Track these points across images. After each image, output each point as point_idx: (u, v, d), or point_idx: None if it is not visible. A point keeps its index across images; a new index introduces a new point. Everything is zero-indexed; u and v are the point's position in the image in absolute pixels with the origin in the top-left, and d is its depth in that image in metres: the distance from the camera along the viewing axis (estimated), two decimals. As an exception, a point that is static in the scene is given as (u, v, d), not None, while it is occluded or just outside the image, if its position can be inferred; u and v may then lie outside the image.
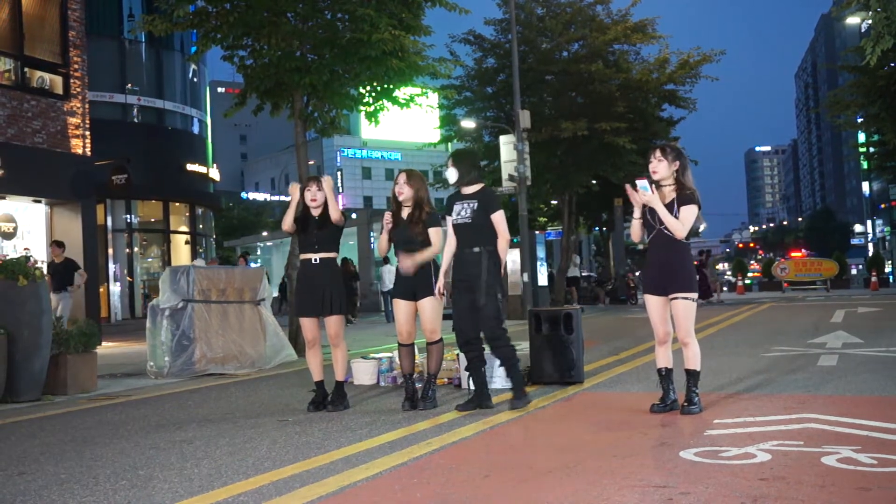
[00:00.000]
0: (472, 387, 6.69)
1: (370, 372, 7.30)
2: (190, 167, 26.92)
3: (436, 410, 5.68)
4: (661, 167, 5.16)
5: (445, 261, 5.77)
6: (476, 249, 5.54)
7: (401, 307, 5.81)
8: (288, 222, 5.98)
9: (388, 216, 5.84)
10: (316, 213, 5.98)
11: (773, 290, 32.54)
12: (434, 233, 5.75)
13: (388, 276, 19.03)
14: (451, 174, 5.74)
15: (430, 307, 5.74)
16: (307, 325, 5.99)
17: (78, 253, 14.93)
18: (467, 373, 6.75)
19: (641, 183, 5.08)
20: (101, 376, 8.54)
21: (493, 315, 5.52)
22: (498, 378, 6.52)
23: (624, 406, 5.57)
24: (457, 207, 5.66)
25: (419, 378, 6.36)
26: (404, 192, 5.77)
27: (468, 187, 5.71)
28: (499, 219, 5.61)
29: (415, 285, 5.73)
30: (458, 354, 6.98)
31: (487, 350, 5.84)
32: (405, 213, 5.80)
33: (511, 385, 5.70)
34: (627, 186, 5.23)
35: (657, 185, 5.18)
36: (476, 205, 5.59)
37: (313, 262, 5.96)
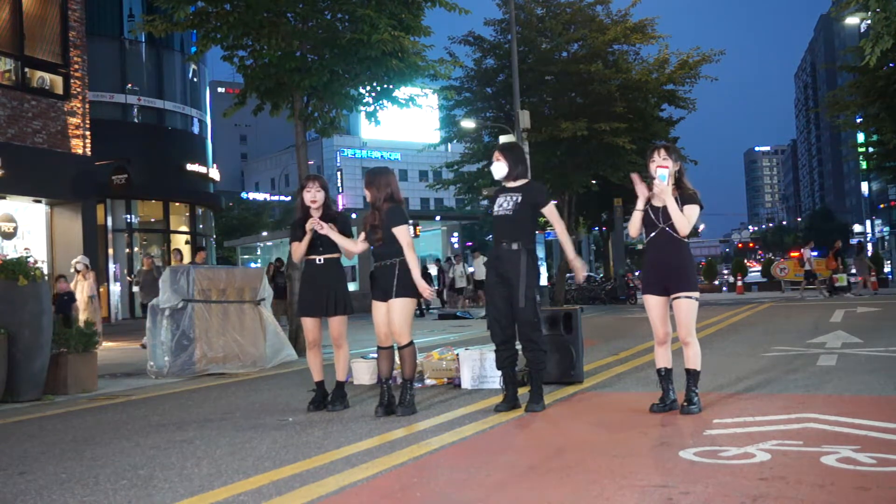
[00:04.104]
0: (470, 386, 6.72)
1: (370, 372, 7.30)
2: (190, 167, 26.93)
3: (435, 411, 5.66)
4: (666, 164, 5.15)
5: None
6: (514, 247, 5.39)
7: (378, 309, 5.62)
8: (299, 254, 5.91)
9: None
10: (317, 214, 5.89)
11: (773, 290, 32.55)
12: (401, 232, 5.52)
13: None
14: (500, 168, 5.54)
15: (398, 308, 5.50)
16: (309, 325, 5.95)
17: (78, 253, 14.95)
18: (468, 373, 6.77)
19: (662, 172, 5.05)
20: (102, 376, 8.55)
21: (531, 318, 5.37)
22: (494, 378, 6.51)
23: (624, 406, 5.57)
24: (499, 200, 5.51)
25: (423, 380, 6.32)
26: (366, 194, 5.66)
27: (514, 181, 5.56)
28: (550, 211, 5.45)
29: (388, 285, 5.53)
30: (457, 354, 6.99)
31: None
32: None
33: (530, 388, 5.55)
34: (633, 176, 5.19)
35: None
36: (520, 198, 5.43)
37: (317, 262, 5.92)
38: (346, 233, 5.90)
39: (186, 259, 18.78)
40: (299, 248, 5.89)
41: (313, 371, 6.04)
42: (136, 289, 14.75)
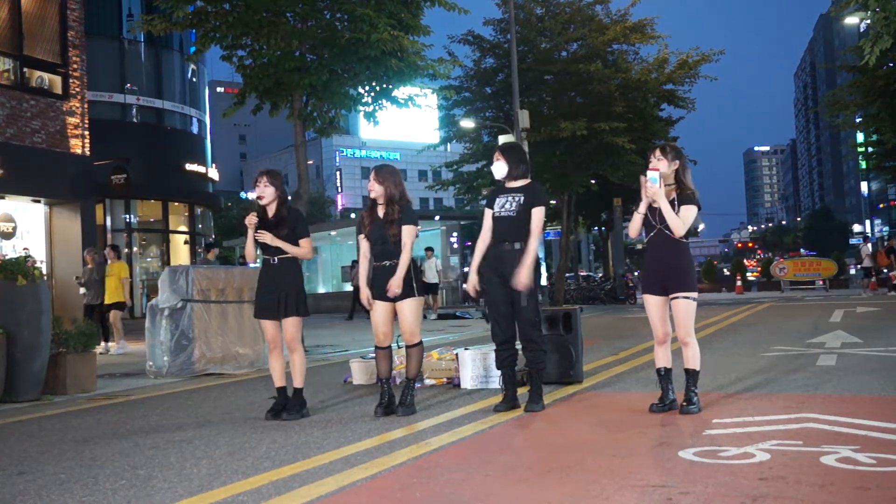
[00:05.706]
0: (469, 385, 6.72)
1: (368, 372, 7.30)
2: (189, 167, 26.92)
3: (435, 411, 5.66)
4: (660, 166, 5.14)
5: (477, 256, 5.55)
6: (517, 246, 5.36)
7: (378, 308, 5.53)
8: (250, 253, 5.73)
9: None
10: (270, 212, 5.68)
11: (772, 290, 32.57)
12: (407, 231, 5.48)
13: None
14: (500, 168, 5.52)
15: (410, 309, 5.48)
16: (268, 327, 5.70)
17: (77, 253, 14.93)
18: (467, 373, 6.77)
19: (652, 174, 5.05)
20: (101, 376, 8.54)
21: (532, 318, 5.37)
22: (493, 378, 6.51)
23: (623, 406, 5.57)
24: (500, 200, 5.48)
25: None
26: (374, 189, 5.52)
27: (515, 181, 5.54)
28: (537, 215, 5.39)
29: None
30: (457, 354, 6.99)
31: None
32: (381, 210, 5.56)
33: (529, 388, 5.54)
34: (642, 178, 5.19)
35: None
36: (522, 199, 5.41)
37: (272, 262, 5.67)
38: (300, 231, 5.67)
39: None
40: (247, 248, 5.71)
41: (274, 376, 5.74)
42: (81, 290, 13.18)
